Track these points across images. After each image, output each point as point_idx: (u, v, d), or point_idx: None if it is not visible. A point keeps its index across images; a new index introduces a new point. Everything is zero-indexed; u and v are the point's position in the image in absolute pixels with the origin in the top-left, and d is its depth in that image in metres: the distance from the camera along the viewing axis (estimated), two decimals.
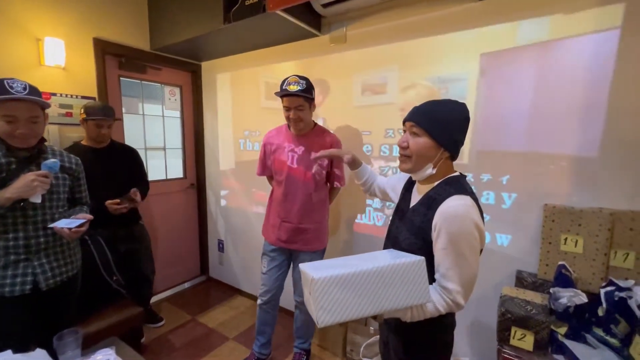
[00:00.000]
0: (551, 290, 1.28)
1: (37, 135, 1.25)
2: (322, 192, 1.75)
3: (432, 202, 0.88)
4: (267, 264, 1.82)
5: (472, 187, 0.93)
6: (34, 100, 1.19)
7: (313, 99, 1.63)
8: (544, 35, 1.38)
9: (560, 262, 1.34)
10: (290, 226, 1.72)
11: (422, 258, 0.79)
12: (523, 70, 1.44)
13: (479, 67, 1.52)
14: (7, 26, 1.74)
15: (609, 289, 1.23)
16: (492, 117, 1.52)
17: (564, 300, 1.23)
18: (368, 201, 1.99)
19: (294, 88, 1.53)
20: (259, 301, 1.87)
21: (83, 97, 2.06)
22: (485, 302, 1.60)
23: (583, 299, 1.22)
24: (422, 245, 0.89)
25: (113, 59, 2.27)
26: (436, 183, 0.92)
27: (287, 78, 1.58)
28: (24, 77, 1.79)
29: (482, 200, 1.58)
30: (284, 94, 1.56)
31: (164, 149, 2.73)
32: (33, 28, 1.83)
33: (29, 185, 1.17)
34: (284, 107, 1.62)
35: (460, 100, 0.91)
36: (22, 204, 1.21)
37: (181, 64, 2.67)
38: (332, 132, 1.80)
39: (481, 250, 0.88)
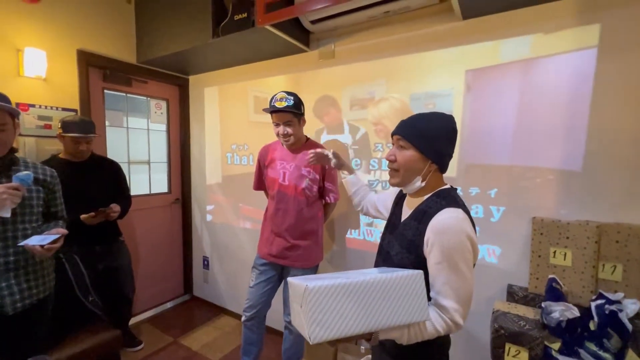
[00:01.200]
0: (543, 304, 1.27)
1: (6, 144, 1.18)
2: (314, 208, 1.71)
3: (423, 215, 0.86)
4: (256, 277, 1.76)
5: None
6: (0, 107, 1.12)
7: (302, 114, 1.63)
8: (526, 53, 1.43)
9: (550, 276, 1.33)
10: (282, 241, 1.68)
11: (420, 272, 0.75)
12: (507, 86, 1.48)
13: (465, 83, 1.55)
14: None
15: (599, 302, 1.23)
16: (478, 132, 1.55)
17: (556, 315, 1.22)
18: (361, 216, 1.97)
19: (282, 104, 1.54)
20: (243, 318, 1.79)
21: (64, 109, 2.00)
22: (477, 317, 1.57)
23: (575, 312, 1.21)
24: (414, 260, 0.86)
25: (97, 71, 2.22)
26: (427, 196, 0.91)
27: (275, 94, 1.59)
28: (1, 87, 1.74)
29: (472, 214, 1.58)
30: (272, 110, 1.56)
31: (149, 162, 2.65)
32: (13, 38, 1.78)
33: None
34: (273, 123, 1.62)
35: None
36: None
37: (168, 78, 2.64)
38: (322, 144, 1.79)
39: (474, 264, 0.86)
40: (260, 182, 1.86)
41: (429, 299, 0.83)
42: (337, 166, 1.40)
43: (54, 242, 1.21)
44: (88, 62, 2.11)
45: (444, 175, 0.95)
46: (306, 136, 1.75)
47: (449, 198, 0.87)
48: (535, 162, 1.44)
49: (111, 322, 1.91)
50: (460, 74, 1.54)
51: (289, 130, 1.58)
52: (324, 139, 2.06)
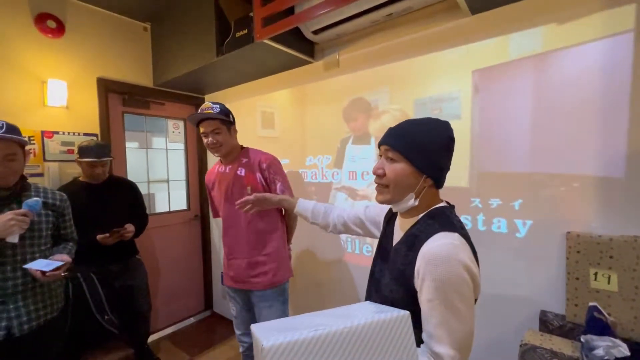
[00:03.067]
0: (582, 338, 1.06)
1: (15, 173, 1.24)
2: (269, 219, 1.54)
3: (414, 240, 0.74)
4: (234, 307, 1.66)
5: (461, 218, 0.79)
6: (9, 138, 1.18)
7: (232, 123, 1.54)
8: (539, 46, 1.26)
9: (591, 303, 1.12)
10: (239, 263, 1.54)
11: (407, 313, 0.64)
12: (521, 84, 1.31)
13: (472, 84, 1.40)
14: (14, 70, 1.84)
15: None
16: (491, 136, 1.38)
17: (599, 352, 1.01)
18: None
19: (206, 112, 1.46)
20: (240, 349, 1.71)
21: (85, 134, 2.12)
22: (503, 349, 1.37)
23: (624, 351, 0.99)
24: (404, 293, 0.73)
25: (116, 96, 2.34)
26: (419, 216, 0.78)
27: (201, 106, 1.51)
28: (28, 117, 1.88)
29: (493, 229, 1.40)
30: (197, 120, 1.48)
31: (167, 181, 2.73)
32: (38, 71, 1.92)
33: (5, 224, 1.15)
34: (202, 134, 1.51)
35: (455, 120, 0.79)
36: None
37: (184, 98, 2.73)
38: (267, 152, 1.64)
39: (475, 300, 0.72)
40: (215, 209, 1.73)
41: (421, 341, 0.70)
42: (275, 204, 1.30)
43: (57, 269, 1.23)
44: (107, 88, 2.24)
45: (453, 185, 0.81)
46: (241, 145, 1.63)
47: (443, 219, 0.74)
48: (565, 168, 1.24)
49: (128, 340, 1.94)
50: (467, 75, 1.40)
51: (218, 138, 1.47)
52: (348, 149, 1.95)
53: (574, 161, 1.22)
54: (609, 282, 1.13)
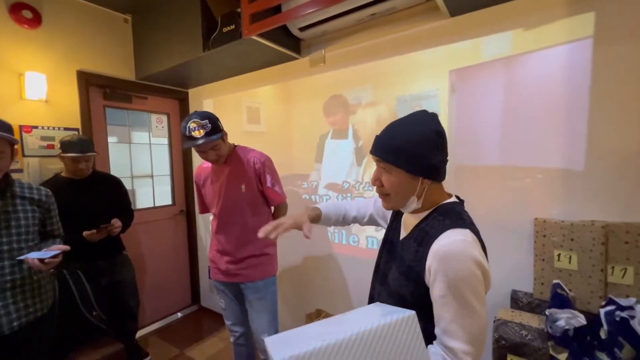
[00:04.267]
0: (547, 312, 1.19)
1: (1, 170, 1.22)
2: (261, 216, 1.60)
3: (424, 236, 0.74)
4: (223, 300, 1.69)
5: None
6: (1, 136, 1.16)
7: (223, 131, 1.46)
8: (508, 49, 1.38)
9: (555, 281, 1.25)
10: (229, 258, 1.58)
11: (412, 313, 0.63)
12: (492, 84, 1.42)
13: (449, 83, 1.51)
14: None
15: (609, 308, 1.14)
16: (466, 132, 1.49)
17: (561, 323, 1.14)
18: None
19: (199, 134, 1.36)
20: (231, 339, 1.76)
21: (66, 129, 2.06)
22: None
23: (581, 320, 1.12)
24: (413, 288, 0.74)
25: (97, 90, 2.29)
26: (427, 212, 0.78)
27: (187, 124, 1.37)
28: (5, 111, 1.82)
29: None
30: (192, 145, 1.37)
31: (152, 176, 2.70)
32: (14, 63, 1.85)
33: None
34: (197, 151, 1.46)
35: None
36: None
37: (168, 92, 2.69)
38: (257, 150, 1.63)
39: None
40: (203, 205, 1.74)
41: (434, 337, 0.71)
42: (316, 222, 1.07)
43: (54, 257, 1.23)
44: (88, 81, 2.18)
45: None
46: (233, 144, 1.61)
47: (454, 216, 0.74)
48: (532, 162, 1.37)
49: (116, 336, 1.94)
50: (445, 74, 1.50)
51: (219, 153, 1.46)
52: (327, 144, 2.02)
53: (539, 155, 1.35)
54: (570, 262, 1.26)
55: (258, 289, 1.57)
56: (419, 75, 1.60)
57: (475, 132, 1.47)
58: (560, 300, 1.20)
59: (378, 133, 0.81)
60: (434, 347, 0.69)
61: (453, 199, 0.80)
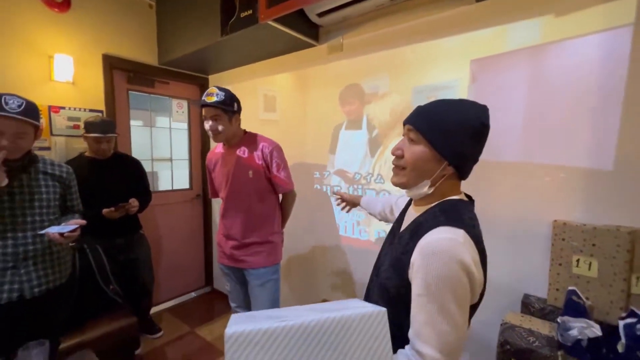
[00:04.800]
0: (559, 319, 1.12)
1: (22, 149, 1.27)
2: (267, 203, 1.60)
3: (417, 229, 0.69)
4: (229, 282, 1.73)
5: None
6: (23, 120, 1.22)
7: (235, 111, 1.52)
8: (537, 38, 1.28)
9: (570, 287, 1.18)
10: (234, 243, 1.60)
11: (383, 310, 0.59)
12: (516, 75, 1.33)
13: (470, 73, 1.43)
14: (22, 45, 1.87)
15: (629, 320, 1.06)
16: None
17: (574, 332, 1.07)
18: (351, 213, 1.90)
19: (210, 99, 1.44)
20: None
21: (91, 110, 2.16)
22: (488, 328, 1.44)
23: (596, 331, 1.05)
24: (398, 282, 0.69)
25: (122, 73, 2.37)
26: (429, 206, 0.73)
27: (208, 89, 1.50)
28: (35, 91, 1.91)
29: (482, 215, 1.44)
30: (201, 104, 1.47)
31: (171, 160, 2.78)
32: (45, 46, 1.94)
33: None
34: (202, 118, 1.52)
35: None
36: None
37: (189, 78, 2.74)
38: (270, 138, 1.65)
39: (477, 305, 0.69)
40: (213, 189, 1.76)
41: (406, 341, 0.66)
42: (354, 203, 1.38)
43: (73, 231, 1.30)
44: (112, 65, 2.25)
45: None
46: (244, 130, 1.64)
47: (452, 212, 0.68)
48: (554, 159, 1.28)
49: (131, 310, 2.04)
50: (465, 64, 1.42)
51: (217, 126, 1.47)
52: (342, 135, 1.99)
53: (563, 152, 1.26)
54: (589, 269, 1.18)
55: (260, 276, 1.59)
56: (437, 65, 1.53)
57: (495, 126, 1.37)
58: (575, 308, 1.13)
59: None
60: (404, 352, 0.64)
61: (460, 197, 0.74)
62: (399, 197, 1.14)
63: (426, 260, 0.62)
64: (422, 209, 0.74)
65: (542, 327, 1.17)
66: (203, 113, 1.51)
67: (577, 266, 1.21)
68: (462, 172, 0.72)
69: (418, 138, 0.70)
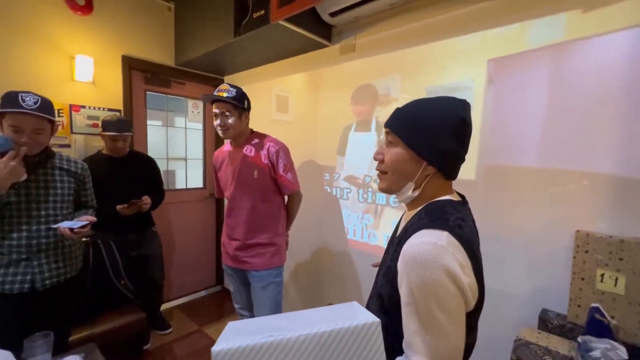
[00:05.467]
0: (580, 338, 1.03)
1: (40, 145, 1.32)
2: (271, 204, 1.58)
3: (404, 234, 0.66)
4: (232, 283, 1.72)
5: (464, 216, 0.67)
6: (39, 116, 1.26)
7: (245, 109, 1.53)
8: (560, 35, 1.19)
9: (593, 304, 1.08)
10: (237, 244, 1.58)
11: (376, 321, 0.57)
12: (537, 75, 1.25)
13: (487, 73, 1.35)
14: (46, 46, 1.95)
15: None
16: (502, 128, 1.34)
17: (596, 354, 0.98)
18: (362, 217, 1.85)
19: (221, 95, 1.47)
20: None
21: (109, 110, 2.22)
22: (498, 345, 1.35)
23: (622, 354, 0.96)
24: (390, 291, 0.66)
25: (140, 74, 2.43)
26: (419, 209, 0.71)
27: (219, 86, 1.52)
28: (57, 91, 1.99)
29: (496, 223, 1.36)
30: (212, 99, 1.50)
31: (185, 159, 2.83)
32: (67, 47, 2.02)
33: (12, 171, 1.17)
34: (213, 114, 1.54)
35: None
36: (16, 187, 1.26)
37: (204, 79, 2.78)
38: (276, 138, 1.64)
39: (476, 312, 0.63)
40: (219, 188, 1.76)
41: (401, 351, 0.64)
42: None
43: (83, 227, 1.33)
44: (131, 66, 2.32)
45: (460, 177, 0.71)
46: (251, 129, 1.64)
47: (436, 214, 0.64)
48: (578, 165, 1.18)
49: (141, 306, 2.08)
50: (482, 64, 1.34)
51: (227, 122, 1.48)
52: (351, 137, 1.96)
53: (588, 158, 1.16)
54: (615, 285, 1.08)
55: (262, 278, 1.57)
56: (452, 65, 1.46)
57: (513, 129, 1.31)
58: (598, 328, 1.03)
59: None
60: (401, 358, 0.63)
61: (450, 197, 0.70)
62: None
63: (408, 267, 0.59)
64: (413, 212, 0.72)
65: (561, 346, 1.08)
66: (213, 109, 1.52)
67: (602, 281, 1.11)
68: (446, 171, 0.69)
69: (395, 140, 0.69)
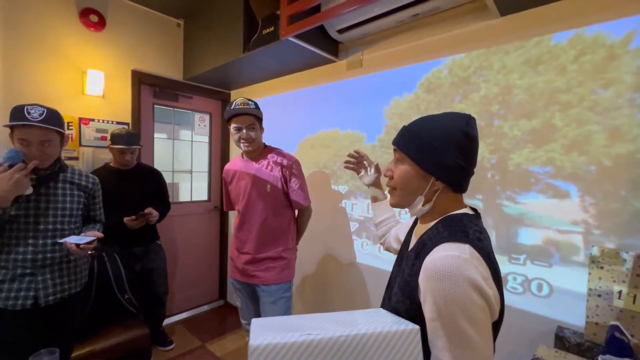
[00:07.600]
0: (600, 358, 1.00)
1: (50, 157, 1.31)
2: (282, 217, 1.58)
3: (422, 248, 0.67)
4: (240, 298, 1.69)
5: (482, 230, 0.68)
6: (45, 128, 1.26)
7: (262, 120, 1.57)
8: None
9: (612, 322, 1.06)
10: (247, 257, 1.57)
11: (416, 328, 0.58)
12: None
13: None
14: (59, 60, 1.99)
15: None
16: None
17: None
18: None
19: (246, 107, 1.49)
20: (247, 338, 1.74)
21: (118, 123, 2.24)
22: None
23: None
24: (409, 306, 0.66)
25: (148, 88, 2.46)
26: (433, 223, 0.72)
27: (234, 101, 1.52)
28: (69, 105, 2.02)
29: (512, 238, 1.35)
30: (234, 114, 1.48)
31: (191, 172, 2.84)
32: (79, 62, 2.06)
33: (18, 182, 1.15)
34: (234, 129, 1.51)
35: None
36: (19, 200, 1.24)
37: (211, 93, 2.82)
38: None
39: (499, 322, 0.64)
40: (229, 201, 1.76)
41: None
42: (372, 182, 1.14)
43: (89, 243, 1.31)
44: (140, 80, 2.36)
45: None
46: (264, 143, 1.65)
47: (455, 227, 0.65)
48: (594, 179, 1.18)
49: (146, 320, 2.04)
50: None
51: (252, 135, 1.50)
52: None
53: (596, 172, 1.16)
54: (634, 302, 1.06)
55: (272, 293, 1.54)
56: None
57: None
58: (619, 347, 1.00)
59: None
60: None
61: (465, 210, 0.71)
62: (400, 227, 1.05)
63: (432, 281, 0.59)
64: (427, 226, 0.73)
65: None
66: (235, 124, 1.51)
67: (619, 298, 1.09)
68: (456, 185, 0.70)
69: (402, 157, 0.72)
